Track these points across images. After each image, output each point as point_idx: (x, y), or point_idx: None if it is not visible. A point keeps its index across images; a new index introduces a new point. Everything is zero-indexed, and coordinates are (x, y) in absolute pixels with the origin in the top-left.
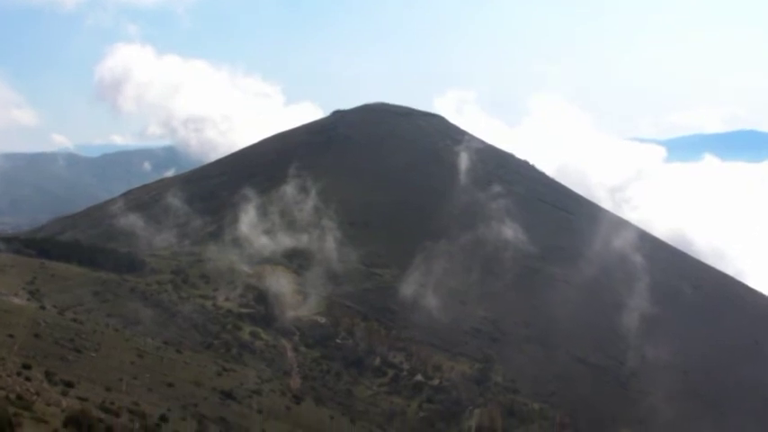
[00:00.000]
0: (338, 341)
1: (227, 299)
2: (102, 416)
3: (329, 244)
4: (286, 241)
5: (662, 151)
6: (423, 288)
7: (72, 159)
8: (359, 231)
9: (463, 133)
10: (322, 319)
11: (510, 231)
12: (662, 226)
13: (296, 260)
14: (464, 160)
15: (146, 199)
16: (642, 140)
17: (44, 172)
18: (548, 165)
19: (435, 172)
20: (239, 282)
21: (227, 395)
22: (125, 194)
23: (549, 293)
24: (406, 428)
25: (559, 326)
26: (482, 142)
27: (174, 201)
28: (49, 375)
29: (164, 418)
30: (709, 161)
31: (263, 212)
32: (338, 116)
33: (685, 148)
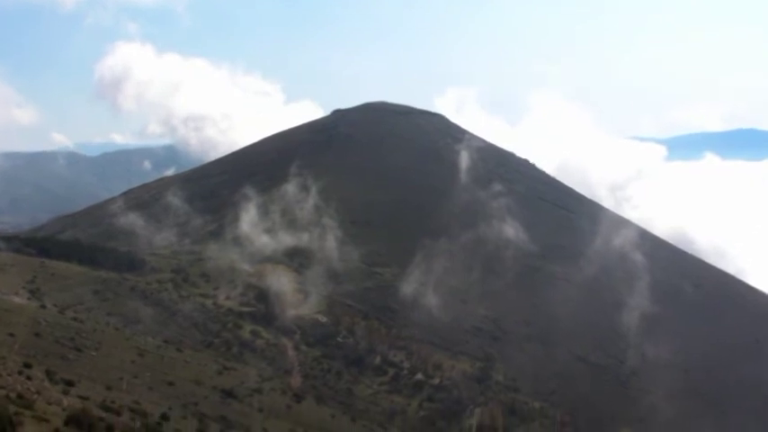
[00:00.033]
0: (339, 340)
1: (227, 297)
2: (103, 414)
3: (330, 243)
4: (287, 240)
5: (662, 150)
6: (423, 287)
7: (72, 158)
8: (360, 230)
9: (464, 132)
10: (323, 318)
11: (510, 230)
12: (663, 224)
13: (297, 259)
14: (465, 159)
15: (146, 198)
16: (643, 139)
17: (44, 171)
18: (548, 163)
19: (436, 171)
20: (240, 280)
21: (228, 394)
22: (125, 193)
23: (549, 292)
24: (407, 427)
25: (560, 324)
26: (482, 141)
27: (175, 200)
28: (49, 374)
29: (164, 417)
30: (710, 160)
31: (263, 211)
32: (339, 115)
33: (686, 146)
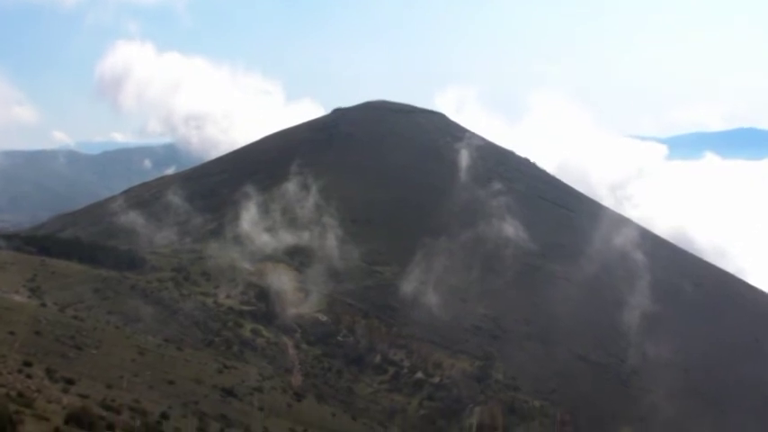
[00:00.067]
0: (339, 338)
1: (228, 296)
2: (104, 413)
3: (330, 241)
4: (287, 239)
5: (663, 149)
6: (423, 285)
7: (72, 157)
8: (360, 229)
9: (464, 131)
10: (323, 317)
11: (510, 229)
12: (663, 224)
13: (297, 257)
14: (465, 157)
15: (146, 196)
16: (643, 138)
17: (44, 169)
18: (548, 162)
19: (436, 169)
20: (240, 279)
21: (229, 392)
22: (125, 192)
23: (549, 291)
24: (407, 426)
25: (560, 323)
26: (482, 139)
27: (175, 198)
28: (49, 373)
29: (165, 416)
30: (710, 159)
31: (264, 210)
32: (339, 114)
33: (686, 145)
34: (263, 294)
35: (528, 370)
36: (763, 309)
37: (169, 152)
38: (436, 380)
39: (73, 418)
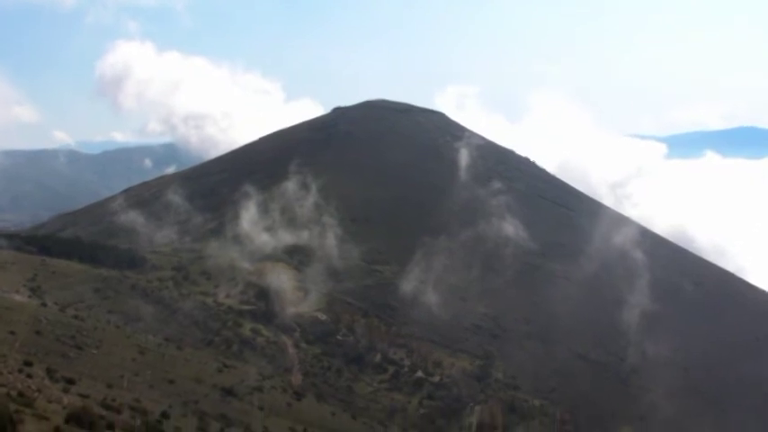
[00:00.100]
0: (339, 338)
1: (227, 295)
2: (104, 413)
3: (330, 240)
4: (287, 238)
5: (663, 148)
6: (423, 284)
7: (73, 156)
8: (359, 228)
9: (463, 130)
10: (323, 316)
11: (510, 228)
12: (663, 222)
13: (297, 257)
14: (464, 157)
15: (146, 196)
16: (643, 137)
17: (45, 169)
18: (548, 161)
19: (435, 168)
20: (240, 278)
21: (228, 392)
22: (125, 191)
23: (549, 290)
24: (407, 425)
25: (560, 322)
26: (482, 139)
27: (175, 198)
28: (50, 372)
29: (165, 415)
30: (710, 158)
31: (263, 209)
32: (339, 113)
33: (686, 144)
34: (263, 293)
35: (528, 369)
36: (762, 307)
37: (169, 151)
38: (436, 379)
39: (73, 417)
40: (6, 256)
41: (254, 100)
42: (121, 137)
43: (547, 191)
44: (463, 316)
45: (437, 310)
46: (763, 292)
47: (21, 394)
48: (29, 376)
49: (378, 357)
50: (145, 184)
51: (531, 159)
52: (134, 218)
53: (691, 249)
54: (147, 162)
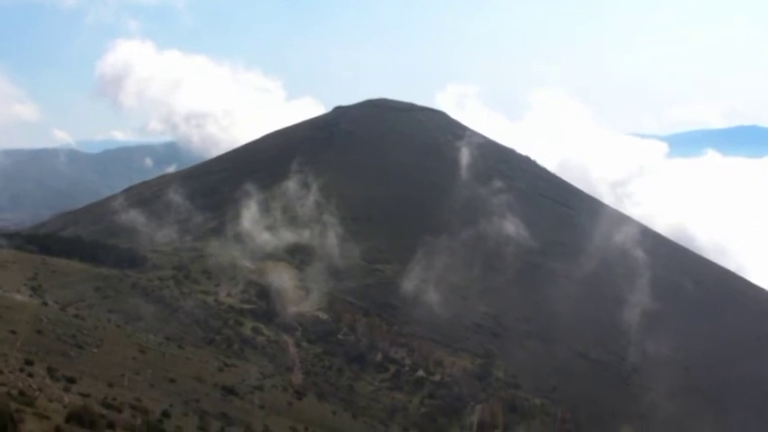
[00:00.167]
0: (340, 337)
1: (228, 294)
2: (105, 412)
3: (331, 240)
4: (288, 237)
5: (663, 147)
6: (424, 283)
7: (73, 155)
8: (361, 227)
9: (464, 128)
10: (324, 315)
11: (511, 227)
12: (663, 221)
13: (298, 256)
14: (465, 155)
15: (147, 195)
16: (644, 136)
17: (46, 168)
18: (549, 160)
19: (436, 167)
20: (241, 277)
21: (229, 391)
22: (126, 190)
23: (550, 289)
24: (408, 424)
25: (560, 321)
26: (483, 137)
27: (176, 197)
28: (51, 371)
29: (166, 414)
30: (711, 156)
31: (264, 208)
32: (340, 112)
33: (687, 143)
34: (264, 292)
35: (529, 368)
36: (763, 306)
37: (170, 150)
38: (437, 378)
39: (74, 416)
40: (7, 255)
41: (254, 98)
42: (122, 136)
43: (548, 190)
44: (464, 315)
45: (438, 309)
46: (763, 290)
47: (21, 393)
48: (30, 375)
49: (379, 356)
50: (145, 183)
51: (532, 158)
52: (135, 217)
53: (691, 248)
54: (148, 161)
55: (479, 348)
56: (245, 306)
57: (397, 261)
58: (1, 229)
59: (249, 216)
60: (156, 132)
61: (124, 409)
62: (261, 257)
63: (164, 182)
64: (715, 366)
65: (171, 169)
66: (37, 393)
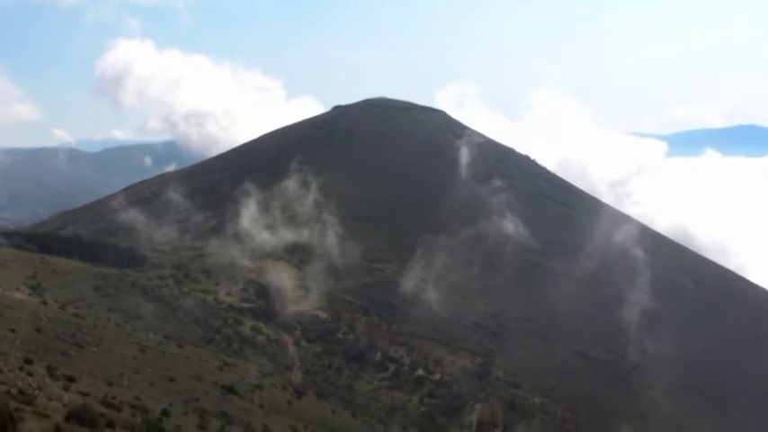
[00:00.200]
0: (339, 336)
1: (228, 293)
2: (104, 410)
3: (330, 239)
4: (287, 236)
5: (663, 146)
6: (423, 283)
7: (73, 154)
8: (360, 226)
9: (464, 128)
10: (323, 314)
11: (511, 226)
12: (663, 220)
13: (297, 255)
14: (465, 155)
15: (146, 194)
16: (643, 135)
17: (45, 167)
18: (549, 159)
19: (436, 166)
20: (240, 276)
21: (229, 390)
22: (126, 189)
23: (549, 288)
24: (408, 423)
25: (560, 320)
26: (483, 137)
27: (175, 196)
28: (50, 370)
29: (165, 413)
30: (711, 156)
31: (264, 207)
32: (339, 111)
33: (686, 142)
34: (264, 292)
35: (528, 367)
36: (763, 305)
37: (169, 149)
38: (437, 377)
39: (74, 415)
40: (6, 254)
41: (254, 98)
42: (122, 135)
43: (547, 189)
44: (464, 314)
45: (438, 308)
46: (763, 290)
47: (21, 392)
48: (29, 374)
49: (378, 355)
50: (145, 182)
51: (532, 157)
52: (134, 216)
53: (691, 247)
54: (148, 160)
55: (479, 347)
56: (245, 305)
57: (396, 260)
58: (0, 227)
59: (249, 215)
60: (155, 131)
61: (124, 408)
62: (260, 256)
63: (163, 181)
64: (715, 365)
65: (170, 168)
66: (36, 392)
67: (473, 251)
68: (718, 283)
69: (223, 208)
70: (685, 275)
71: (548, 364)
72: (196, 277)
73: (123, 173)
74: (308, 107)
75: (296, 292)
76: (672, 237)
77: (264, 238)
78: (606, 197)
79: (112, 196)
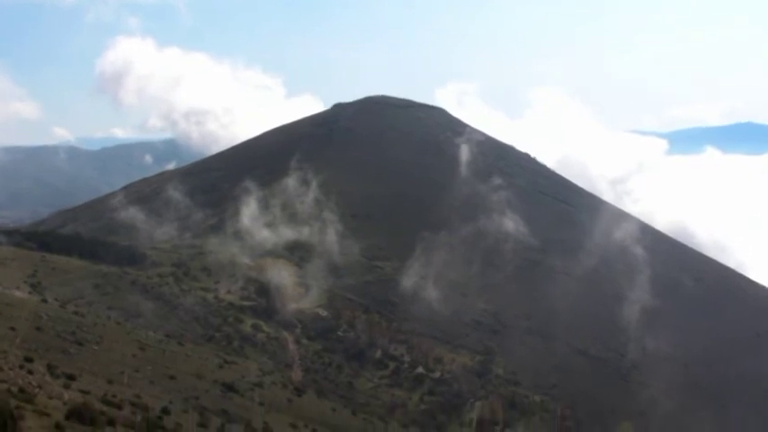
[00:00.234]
0: (339, 334)
1: (228, 291)
2: (104, 409)
3: (330, 236)
4: (287, 234)
5: (663, 144)
6: (423, 280)
7: (73, 152)
8: (360, 224)
9: (464, 126)
10: (323, 312)
11: (511, 223)
12: (663, 218)
13: (297, 253)
14: (465, 152)
15: (147, 192)
16: (643, 133)
17: (45, 165)
18: (549, 157)
19: (436, 164)
20: (241, 274)
21: (229, 388)
22: (126, 187)
23: (549, 286)
24: (408, 421)
25: (560, 318)
26: (483, 134)
27: (175, 194)
28: (50, 368)
29: (165, 411)
30: (711, 154)
31: (264, 205)
32: (339, 109)
33: (686, 140)
34: (264, 290)
35: (528, 365)
36: (763, 303)
37: (169, 147)
38: (437, 375)
39: (74, 413)
40: (6, 252)
41: (254, 96)
42: (122, 133)
43: (547, 187)
44: (463, 312)
45: (437, 305)
46: (763, 287)
47: (21, 390)
48: (29, 372)
49: (378, 353)
50: (145, 180)
51: (532, 155)
52: (134, 214)
53: (691, 245)
54: (148, 158)
55: (479, 345)
56: (245, 303)
57: (396, 258)
58: (0, 226)
59: (249, 213)
60: (155, 129)
61: (124, 406)
62: (260, 254)
63: (163, 179)
64: (714, 363)
65: (170, 166)
66: (37, 390)
67: (473, 249)
68: (718, 280)
69: (223, 206)
70: (685, 273)
71: (548, 362)
72: (196, 275)
73: (123, 171)
74: (309, 105)
75: (296, 290)
76: (672, 234)
77: (264, 235)
78: (606, 195)
79: (112, 194)
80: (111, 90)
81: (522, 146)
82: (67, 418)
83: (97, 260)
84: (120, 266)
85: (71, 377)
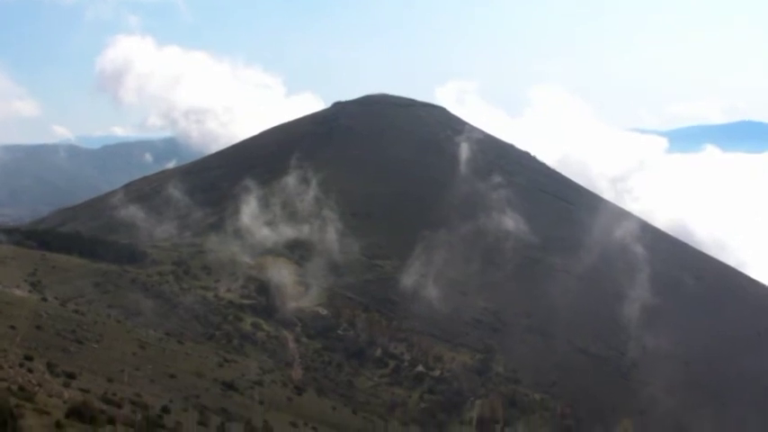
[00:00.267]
0: (339, 332)
1: (228, 290)
2: (104, 407)
3: (330, 235)
4: (287, 232)
5: (663, 142)
6: (423, 279)
7: (73, 151)
8: (360, 222)
9: (464, 124)
10: (323, 311)
11: (511, 222)
12: (663, 216)
13: (297, 251)
14: (465, 151)
15: (147, 190)
16: (644, 131)
17: (45, 163)
18: (549, 155)
19: (436, 162)
20: (241, 273)
21: (229, 386)
22: (126, 186)
23: (549, 284)
24: (408, 419)
25: (560, 316)
26: (483, 133)
27: (175, 192)
28: (50, 367)
29: (165, 410)
30: (711, 152)
31: (264, 204)
32: (339, 107)
33: (687, 139)
34: (264, 288)
35: (528, 363)
36: (763, 302)
37: (169, 146)
38: (437, 373)
39: (74, 411)
40: (6, 250)
41: (254, 94)
42: (122, 131)
43: (547, 185)
44: (464, 310)
45: (437, 304)
46: (763, 286)
47: (21, 389)
48: (29, 371)
49: (378, 352)
50: (145, 178)
51: (532, 153)
52: (134, 212)
53: (691, 243)
54: (148, 156)
55: (479, 343)
56: (245, 301)
57: (396, 256)
58: (0, 224)
59: (249, 211)
60: (155, 128)
61: (124, 405)
62: (260, 253)
63: (163, 177)
64: (715, 361)
65: (170, 165)
66: (37, 389)
67: (473, 247)
68: (719, 279)
69: (223, 204)
70: (685, 271)
71: (548, 360)
72: (196, 274)
73: (123, 169)
74: (309, 104)
75: (296, 289)
76: (672, 233)
77: (264, 234)
78: (606, 193)
79: (112, 193)
80: (111, 88)
81: (522, 144)
82: (67, 416)
83: (97, 258)
84: (120, 265)
85: (71, 376)
